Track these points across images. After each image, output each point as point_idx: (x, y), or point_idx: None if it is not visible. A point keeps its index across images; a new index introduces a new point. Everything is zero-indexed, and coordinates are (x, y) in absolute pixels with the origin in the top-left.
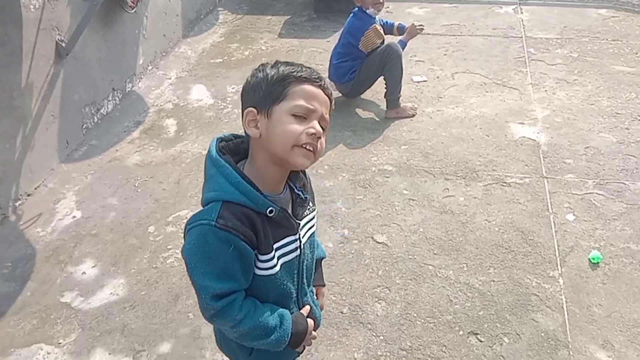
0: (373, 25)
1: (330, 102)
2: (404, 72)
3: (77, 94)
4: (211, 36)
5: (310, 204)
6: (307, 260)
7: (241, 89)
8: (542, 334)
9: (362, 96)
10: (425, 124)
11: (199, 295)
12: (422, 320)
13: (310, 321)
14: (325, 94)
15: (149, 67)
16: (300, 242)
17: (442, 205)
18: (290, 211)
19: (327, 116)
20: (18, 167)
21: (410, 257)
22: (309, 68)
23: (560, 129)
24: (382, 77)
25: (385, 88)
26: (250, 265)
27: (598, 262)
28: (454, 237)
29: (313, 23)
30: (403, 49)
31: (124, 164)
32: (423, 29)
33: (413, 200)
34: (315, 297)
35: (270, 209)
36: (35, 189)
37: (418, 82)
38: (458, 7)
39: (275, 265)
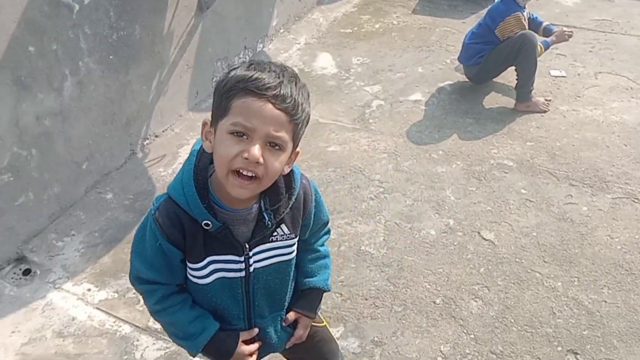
0: (516, 12)
1: (291, 118)
2: (539, 64)
3: (211, 47)
4: (344, 5)
5: (285, 230)
6: (264, 285)
7: (364, 62)
8: None
9: (492, 84)
10: (557, 123)
11: (130, 268)
12: (519, 328)
13: (245, 348)
14: (278, 109)
15: (281, 30)
16: (248, 265)
17: (562, 212)
18: (249, 231)
19: (280, 134)
20: (151, 109)
21: (517, 260)
22: (276, 72)
23: None
24: (513, 67)
25: (517, 79)
26: (176, 266)
27: None
28: (570, 247)
29: (450, 2)
30: (545, 49)
31: None
32: (572, 36)
33: (530, 201)
34: (284, 322)
35: (206, 222)
36: (163, 131)
37: (556, 76)
38: (613, 2)
39: (206, 277)
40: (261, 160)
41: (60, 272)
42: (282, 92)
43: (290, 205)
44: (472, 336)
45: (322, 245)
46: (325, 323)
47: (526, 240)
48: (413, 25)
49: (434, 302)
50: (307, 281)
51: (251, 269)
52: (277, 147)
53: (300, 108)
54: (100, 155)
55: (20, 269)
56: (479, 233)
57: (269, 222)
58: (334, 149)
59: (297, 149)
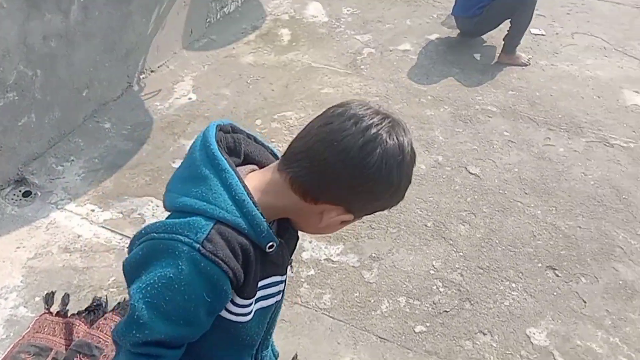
0: None
1: None
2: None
3: None
4: None
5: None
6: (280, 306)
7: (354, 12)
8: (620, 282)
9: (476, 40)
10: (537, 75)
11: (128, 324)
12: (503, 247)
13: None
14: None
15: None
16: (285, 284)
17: (541, 151)
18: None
19: None
20: (148, 43)
21: (500, 191)
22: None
23: None
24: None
25: (508, 31)
26: (218, 312)
27: None
28: (548, 182)
29: None
30: None
31: (239, 62)
32: None
33: (512, 142)
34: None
35: (271, 243)
36: (158, 67)
37: (536, 34)
38: None
39: (249, 313)
40: None
41: (62, 194)
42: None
43: None
44: (460, 254)
45: None
46: None
47: (509, 175)
48: None
49: (426, 225)
50: None
51: (284, 288)
52: None
53: None
54: (99, 84)
55: (20, 191)
56: (465, 168)
57: (293, 228)
58: (328, 91)
59: None
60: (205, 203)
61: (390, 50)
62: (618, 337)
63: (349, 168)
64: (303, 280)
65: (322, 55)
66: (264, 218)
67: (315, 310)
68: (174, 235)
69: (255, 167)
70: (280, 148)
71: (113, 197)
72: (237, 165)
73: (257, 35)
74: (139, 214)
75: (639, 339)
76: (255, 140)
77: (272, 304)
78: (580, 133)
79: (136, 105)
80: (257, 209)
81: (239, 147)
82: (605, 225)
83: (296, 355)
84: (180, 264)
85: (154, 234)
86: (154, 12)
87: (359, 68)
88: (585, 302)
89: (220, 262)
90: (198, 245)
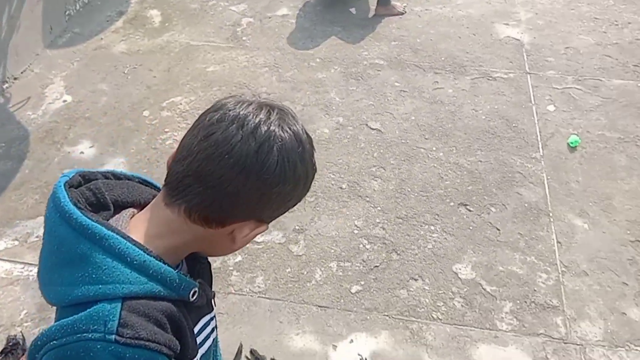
0: None
1: None
2: None
3: None
4: None
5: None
6: (217, 337)
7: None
8: (526, 205)
9: None
10: (414, 22)
11: None
12: (416, 194)
13: None
14: None
15: None
16: (215, 319)
17: (432, 96)
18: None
19: None
20: (4, 48)
21: (403, 141)
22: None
23: (542, 31)
24: None
25: None
26: None
27: (576, 146)
28: (444, 124)
29: None
30: None
31: (110, 52)
32: None
33: (404, 91)
34: None
35: (194, 289)
36: (22, 72)
37: None
38: None
39: None
40: None
41: None
42: None
43: None
44: (379, 208)
45: None
46: None
47: (407, 124)
48: None
49: (341, 188)
50: None
51: (216, 322)
52: None
53: None
54: None
55: None
56: (366, 125)
57: (206, 257)
58: (214, 68)
59: None
60: (100, 285)
61: (269, 17)
62: (534, 256)
63: (251, 178)
64: (232, 268)
65: (199, 32)
66: (175, 269)
67: (251, 296)
68: (79, 335)
69: (133, 210)
70: (177, 137)
71: (3, 224)
72: (110, 218)
73: (125, 21)
74: (36, 237)
75: (552, 253)
76: (115, 175)
77: (210, 344)
78: (464, 72)
79: (6, 119)
80: (163, 263)
81: (101, 197)
82: (503, 155)
83: (241, 345)
84: None
85: (54, 342)
86: (4, 13)
87: (241, 40)
88: (499, 230)
89: (147, 343)
90: (113, 336)
